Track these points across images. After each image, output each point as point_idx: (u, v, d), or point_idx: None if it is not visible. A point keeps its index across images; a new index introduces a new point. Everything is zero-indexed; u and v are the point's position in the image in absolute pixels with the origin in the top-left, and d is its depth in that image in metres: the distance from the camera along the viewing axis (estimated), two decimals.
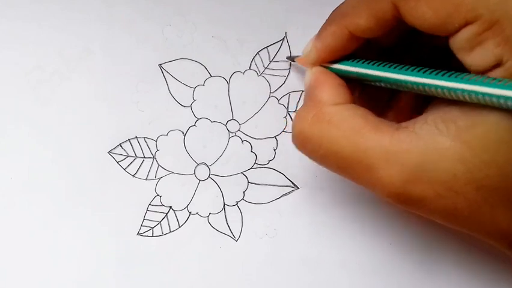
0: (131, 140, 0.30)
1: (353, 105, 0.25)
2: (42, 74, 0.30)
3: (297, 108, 0.31)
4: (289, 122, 0.31)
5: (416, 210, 0.23)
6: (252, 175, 0.31)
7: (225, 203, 0.30)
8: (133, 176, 0.30)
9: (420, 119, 0.22)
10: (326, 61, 0.27)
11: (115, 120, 0.30)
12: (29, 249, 0.29)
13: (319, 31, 0.27)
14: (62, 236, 0.30)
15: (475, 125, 0.21)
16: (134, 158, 0.30)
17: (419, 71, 0.23)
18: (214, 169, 0.30)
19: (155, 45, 0.30)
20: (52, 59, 0.30)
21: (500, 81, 0.20)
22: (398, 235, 0.31)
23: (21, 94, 0.30)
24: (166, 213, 0.30)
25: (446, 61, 0.23)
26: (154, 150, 0.30)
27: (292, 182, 0.31)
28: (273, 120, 0.31)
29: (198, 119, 0.31)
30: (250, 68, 0.31)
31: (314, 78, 0.26)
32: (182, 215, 0.30)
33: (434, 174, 0.21)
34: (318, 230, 0.31)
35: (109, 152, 0.30)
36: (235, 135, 0.31)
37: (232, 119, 0.31)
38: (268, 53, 0.31)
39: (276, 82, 0.31)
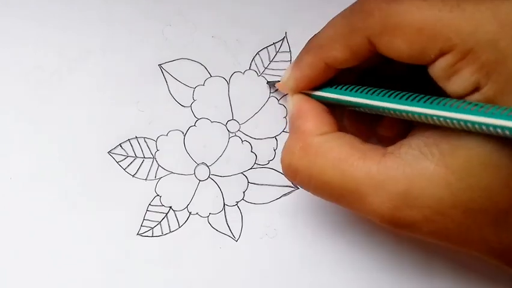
0: (131, 140, 0.30)
1: (339, 133, 0.25)
2: (42, 74, 0.30)
3: None
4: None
5: (409, 234, 0.23)
6: (252, 175, 0.31)
7: (225, 203, 0.30)
8: (133, 176, 0.30)
9: (405, 143, 0.23)
10: (305, 89, 0.27)
11: (115, 120, 0.30)
12: (29, 249, 0.29)
13: (297, 59, 0.27)
14: (62, 236, 0.30)
15: (456, 149, 0.21)
16: (134, 158, 0.30)
17: (395, 96, 0.23)
18: (214, 169, 0.30)
19: (155, 45, 0.30)
20: (52, 59, 0.30)
21: (475, 105, 0.20)
22: (397, 235, 0.31)
23: (21, 94, 0.30)
24: (166, 213, 0.30)
25: (428, 78, 0.23)
26: (154, 150, 0.30)
27: (292, 182, 0.31)
28: (273, 120, 0.31)
29: (198, 119, 0.31)
30: (250, 68, 0.31)
31: (297, 107, 0.26)
32: (182, 215, 0.30)
33: (421, 200, 0.22)
34: (318, 230, 0.31)
35: (109, 152, 0.30)
36: (235, 135, 0.31)
37: (232, 119, 0.31)
38: (268, 53, 0.31)
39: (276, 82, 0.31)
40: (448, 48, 0.21)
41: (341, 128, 0.26)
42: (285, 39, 0.31)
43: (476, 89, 0.21)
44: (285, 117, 0.31)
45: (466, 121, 0.20)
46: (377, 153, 0.23)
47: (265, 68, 0.31)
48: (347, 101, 0.25)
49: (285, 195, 0.31)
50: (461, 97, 0.21)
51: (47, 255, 0.30)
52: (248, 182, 0.31)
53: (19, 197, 0.30)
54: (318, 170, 0.24)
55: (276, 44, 0.31)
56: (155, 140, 0.30)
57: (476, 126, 0.20)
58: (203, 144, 0.31)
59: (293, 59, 0.31)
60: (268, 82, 0.30)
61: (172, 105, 0.30)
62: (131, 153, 0.30)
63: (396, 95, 0.23)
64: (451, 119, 0.21)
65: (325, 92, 0.26)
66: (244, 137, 0.31)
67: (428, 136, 0.22)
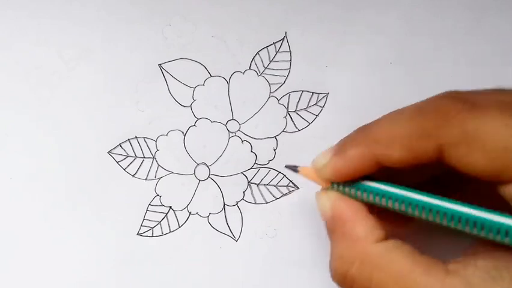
0: (131, 140, 0.30)
1: (397, 241, 0.23)
2: (42, 74, 0.30)
3: (297, 108, 0.31)
4: (289, 122, 0.31)
5: None
6: (252, 175, 0.31)
7: (225, 203, 0.30)
8: (133, 176, 0.30)
9: (470, 264, 0.21)
10: (341, 180, 0.24)
11: (115, 120, 0.30)
12: (29, 249, 0.29)
13: (339, 146, 0.24)
14: (62, 236, 0.30)
15: None
16: (134, 158, 0.30)
17: (448, 214, 0.21)
18: (214, 169, 0.30)
19: (155, 45, 0.30)
20: (52, 59, 0.30)
21: None
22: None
23: (21, 94, 0.30)
24: (166, 213, 0.30)
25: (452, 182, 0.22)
26: (154, 150, 0.30)
27: (292, 182, 0.31)
28: (273, 120, 0.31)
29: (198, 119, 0.31)
30: (250, 68, 0.31)
31: (340, 210, 0.24)
32: (182, 215, 0.30)
33: None
34: (318, 230, 0.31)
35: (109, 152, 0.30)
36: (235, 135, 0.31)
37: (232, 119, 0.31)
38: (268, 53, 0.31)
39: (276, 82, 0.31)
40: None
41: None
42: (285, 39, 0.31)
43: None
44: (284, 117, 0.31)
45: None
46: (439, 270, 0.21)
47: (265, 68, 0.31)
48: (392, 207, 0.23)
49: (285, 195, 0.31)
50: None
51: (47, 255, 0.30)
52: (248, 182, 0.31)
53: (19, 197, 0.30)
54: (379, 283, 0.22)
55: (276, 44, 0.31)
56: (155, 140, 0.30)
57: None
58: (203, 144, 0.30)
59: (293, 58, 0.31)
60: (288, 166, 0.27)
61: (172, 105, 0.30)
62: (131, 153, 0.30)
63: (451, 205, 0.21)
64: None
65: (362, 191, 0.24)
66: (244, 137, 0.31)
67: (497, 258, 0.21)
